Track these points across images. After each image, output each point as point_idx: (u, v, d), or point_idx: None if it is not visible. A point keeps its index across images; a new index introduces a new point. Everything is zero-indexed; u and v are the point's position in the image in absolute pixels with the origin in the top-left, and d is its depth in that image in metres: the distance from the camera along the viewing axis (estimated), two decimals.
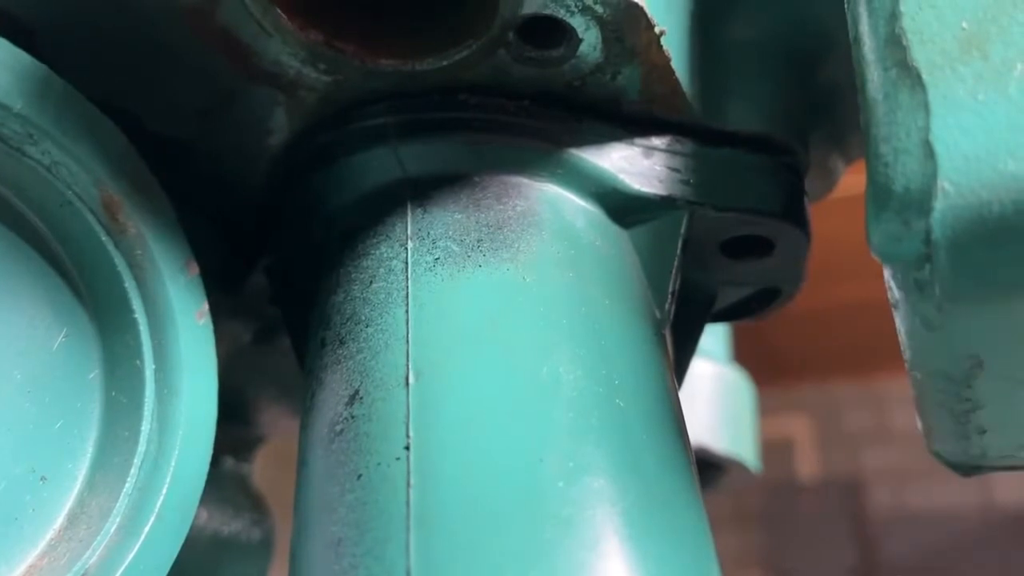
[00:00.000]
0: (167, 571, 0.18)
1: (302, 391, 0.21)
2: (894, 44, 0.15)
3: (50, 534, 0.18)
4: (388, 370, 0.18)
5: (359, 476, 0.17)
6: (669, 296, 0.21)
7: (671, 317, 0.21)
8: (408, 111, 0.20)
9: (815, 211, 0.24)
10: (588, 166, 0.21)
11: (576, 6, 0.18)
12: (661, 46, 0.19)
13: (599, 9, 0.18)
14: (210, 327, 0.20)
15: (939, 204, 0.14)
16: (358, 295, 0.20)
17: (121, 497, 0.18)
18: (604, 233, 0.21)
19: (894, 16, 0.15)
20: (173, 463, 0.18)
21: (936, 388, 0.17)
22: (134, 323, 0.19)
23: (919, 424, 0.20)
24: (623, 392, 0.18)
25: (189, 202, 0.21)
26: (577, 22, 0.18)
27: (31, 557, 0.17)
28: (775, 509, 1.94)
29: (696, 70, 0.21)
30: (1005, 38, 0.14)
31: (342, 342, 0.19)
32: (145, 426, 0.18)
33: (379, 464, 0.17)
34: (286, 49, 0.19)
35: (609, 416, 0.18)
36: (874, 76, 0.15)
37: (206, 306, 0.20)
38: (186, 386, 0.19)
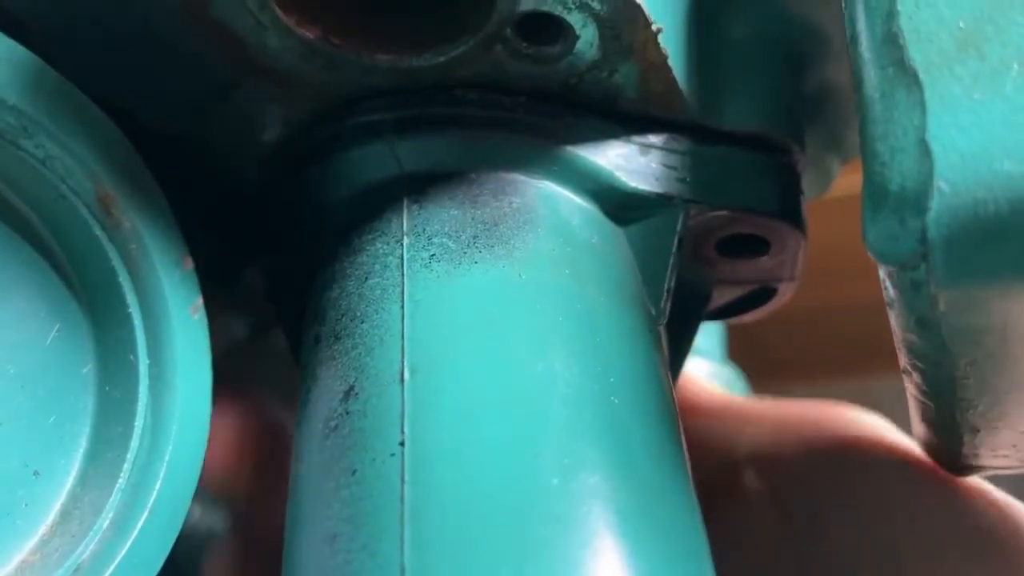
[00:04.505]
0: (160, 567, 0.18)
1: (297, 387, 0.21)
2: (891, 43, 0.15)
3: (42, 529, 0.18)
4: (383, 366, 0.18)
5: (354, 472, 0.17)
6: (665, 294, 0.21)
7: (667, 315, 0.21)
8: (404, 107, 0.20)
9: (810, 211, 0.24)
10: (584, 163, 0.21)
11: (573, 3, 0.18)
12: (658, 44, 0.19)
13: (596, 6, 0.18)
14: (205, 322, 0.20)
15: (935, 203, 0.14)
16: (353, 291, 0.20)
17: (114, 492, 0.18)
18: (600, 230, 0.21)
19: (891, 15, 0.15)
20: (167, 459, 0.18)
21: (931, 388, 0.17)
22: (128, 317, 0.19)
23: (913, 424, 0.20)
24: (618, 389, 0.18)
25: (184, 197, 0.21)
26: (574, 19, 0.18)
27: (23, 552, 0.17)
28: None
29: (693, 68, 0.21)
30: (1002, 37, 0.14)
31: (337, 338, 0.19)
32: (139, 421, 0.18)
33: (374, 460, 0.17)
34: (282, 44, 0.19)
35: (604, 413, 0.18)
36: (871, 75, 0.15)
37: (200, 301, 0.20)
38: (180, 381, 0.19)
